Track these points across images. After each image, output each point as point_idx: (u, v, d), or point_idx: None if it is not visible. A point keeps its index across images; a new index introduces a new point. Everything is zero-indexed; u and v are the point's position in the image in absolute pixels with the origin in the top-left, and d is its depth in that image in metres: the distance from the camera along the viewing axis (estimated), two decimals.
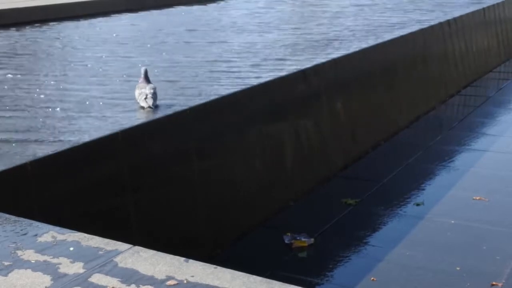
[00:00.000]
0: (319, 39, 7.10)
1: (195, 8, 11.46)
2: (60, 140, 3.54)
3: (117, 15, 10.41)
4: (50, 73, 5.74)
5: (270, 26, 8.47)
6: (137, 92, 4.27)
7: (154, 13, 10.84)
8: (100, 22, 9.69)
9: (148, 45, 7.21)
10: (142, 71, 4.38)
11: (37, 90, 4.96)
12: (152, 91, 4.23)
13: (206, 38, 7.57)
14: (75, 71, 5.81)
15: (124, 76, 5.39)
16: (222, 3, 12.27)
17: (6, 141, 3.58)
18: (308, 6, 11.23)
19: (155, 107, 4.16)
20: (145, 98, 4.17)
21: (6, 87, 5.12)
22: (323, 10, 10.28)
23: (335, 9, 10.28)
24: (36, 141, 3.55)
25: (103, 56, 6.52)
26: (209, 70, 5.53)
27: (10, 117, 4.14)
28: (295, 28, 8.26)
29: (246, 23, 8.89)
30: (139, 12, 10.74)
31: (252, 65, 5.64)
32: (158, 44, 7.33)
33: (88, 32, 8.66)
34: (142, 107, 4.17)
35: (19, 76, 5.63)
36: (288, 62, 5.74)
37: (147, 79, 4.34)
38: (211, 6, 11.76)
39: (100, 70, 5.77)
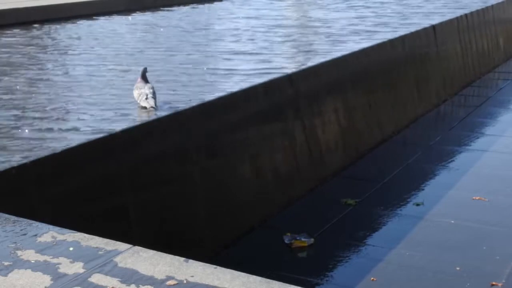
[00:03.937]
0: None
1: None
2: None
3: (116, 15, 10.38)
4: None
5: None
6: (136, 93, 4.26)
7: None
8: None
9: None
10: (141, 71, 4.37)
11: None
12: (151, 90, 4.22)
13: None
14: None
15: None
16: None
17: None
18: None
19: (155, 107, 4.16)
20: (146, 98, 4.16)
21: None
22: None
23: None
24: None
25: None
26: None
27: None
28: None
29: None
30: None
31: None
32: None
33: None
34: (144, 107, 4.16)
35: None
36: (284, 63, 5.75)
37: (145, 79, 4.33)
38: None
39: None
